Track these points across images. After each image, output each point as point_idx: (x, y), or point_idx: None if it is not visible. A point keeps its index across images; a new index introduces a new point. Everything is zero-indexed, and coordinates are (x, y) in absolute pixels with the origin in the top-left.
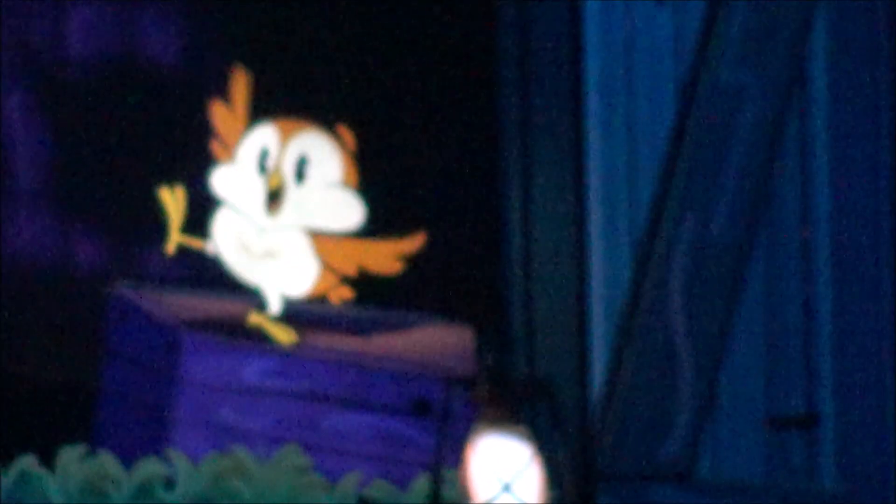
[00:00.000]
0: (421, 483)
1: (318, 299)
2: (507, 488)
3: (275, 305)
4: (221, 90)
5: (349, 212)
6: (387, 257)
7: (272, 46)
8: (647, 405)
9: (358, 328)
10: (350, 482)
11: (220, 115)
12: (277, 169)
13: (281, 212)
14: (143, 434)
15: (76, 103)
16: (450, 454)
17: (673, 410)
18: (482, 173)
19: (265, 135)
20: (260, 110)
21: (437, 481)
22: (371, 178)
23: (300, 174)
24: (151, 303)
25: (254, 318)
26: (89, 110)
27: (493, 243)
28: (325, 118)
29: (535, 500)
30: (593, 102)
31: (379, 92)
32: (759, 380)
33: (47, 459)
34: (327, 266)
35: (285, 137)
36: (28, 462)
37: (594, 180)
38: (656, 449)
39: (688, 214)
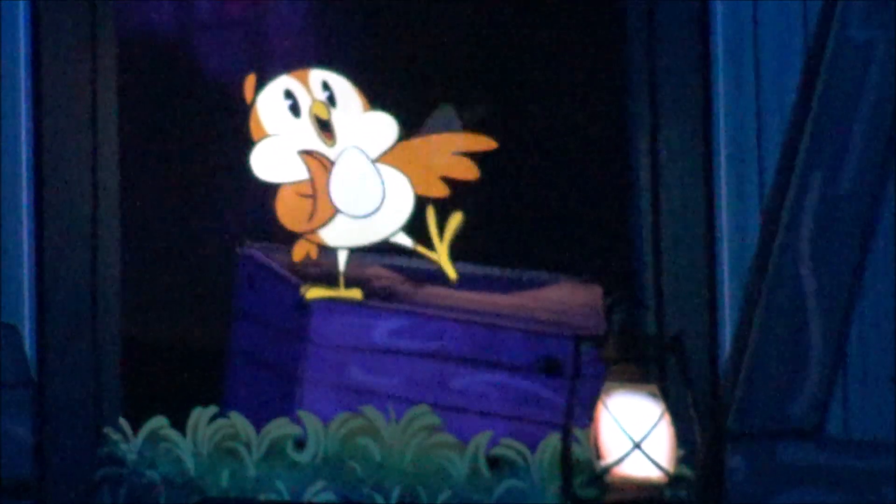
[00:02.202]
0: (551, 442)
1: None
2: (636, 447)
3: (407, 242)
4: None
5: (389, 130)
6: (464, 165)
7: None
8: (777, 363)
9: (488, 287)
10: (480, 442)
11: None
12: (314, 100)
13: (337, 141)
14: (273, 395)
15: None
16: (579, 413)
17: (802, 368)
18: (610, 131)
19: (281, 83)
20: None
21: (567, 440)
22: (499, 138)
23: (332, 101)
24: (280, 263)
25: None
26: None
27: (621, 201)
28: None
29: (665, 459)
30: (721, 59)
31: (502, 41)
32: (889, 336)
33: (178, 421)
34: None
35: (299, 75)
36: (159, 424)
37: (722, 137)
38: (786, 406)
39: (816, 170)
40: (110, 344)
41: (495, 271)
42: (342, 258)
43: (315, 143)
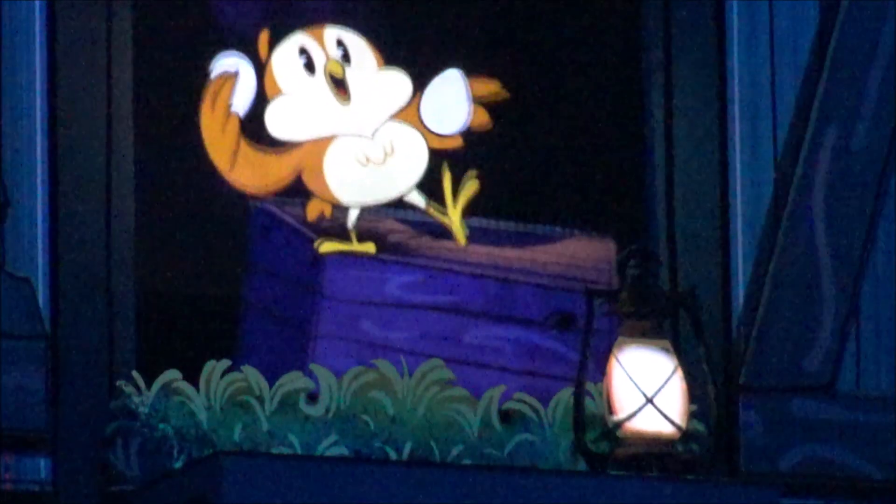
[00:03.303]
0: (563, 397)
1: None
2: (649, 401)
3: (420, 202)
4: None
5: (404, 87)
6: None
7: None
8: (790, 318)
9: (501, 241)
10: (492, 396)
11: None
12: (329, 58)
13: (352, 101)
14: (287, 348)
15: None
16: (592, 368)
17: (815, 323)
18: (624, 86)
19: (295, 40)
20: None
21: (579, 395)
22: (512, 92)
23: (346, 58)
24: (295, 216)
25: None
26: None
27: (635, 156)
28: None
29: (678, 414)
30: (736, 16)
31: (518, 7)
32: None
33: (191, 374)
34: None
35: (314, 32)
36: (172, 377)
37: (736, 93)
38: (798, 361)
39: (830, 127)
40: (124, 297)
41: (509, 225)
42: (353, 214)
43: (329, 100)
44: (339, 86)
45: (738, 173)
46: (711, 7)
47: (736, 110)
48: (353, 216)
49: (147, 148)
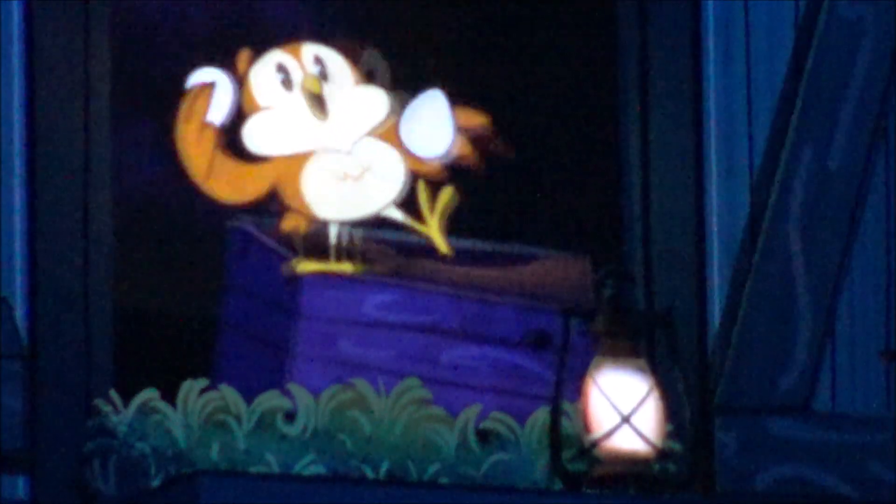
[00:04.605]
0: (540, 416)
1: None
2: (625, 421)
3: (398, 216)
4: None
5: (381, 105)
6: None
7: None
8: (765, 338)
9: (477, 261)
10: (469, 415)
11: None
12: (306, 74)
13: (329, 117)
14: (264, 367)
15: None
16: (569, 387)
17: (791, 343)
18: (600, 106)
19: (273, 57)
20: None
21: (556, 414)
22: (489, 113)
23: (324, 74)
24: (272, 236)
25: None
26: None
27: (611, 175)
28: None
29: (654, 433)
30: (712, 37)
31: (493, 15)
32: (877, 311)
33: (169, 394)
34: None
35: (291, 49)
36: (149, 396)
37: (713, 112)
38: (774, 381)
39: (805, 147)
40: (102, 316)
41: (486, 245)
42: (333, 231)
43: (307, 116)
44: (317, 102)
45: (715, 193)
46: (687, 29)
47: (712, 131)
48: (332, 233)
49: (124, 168)
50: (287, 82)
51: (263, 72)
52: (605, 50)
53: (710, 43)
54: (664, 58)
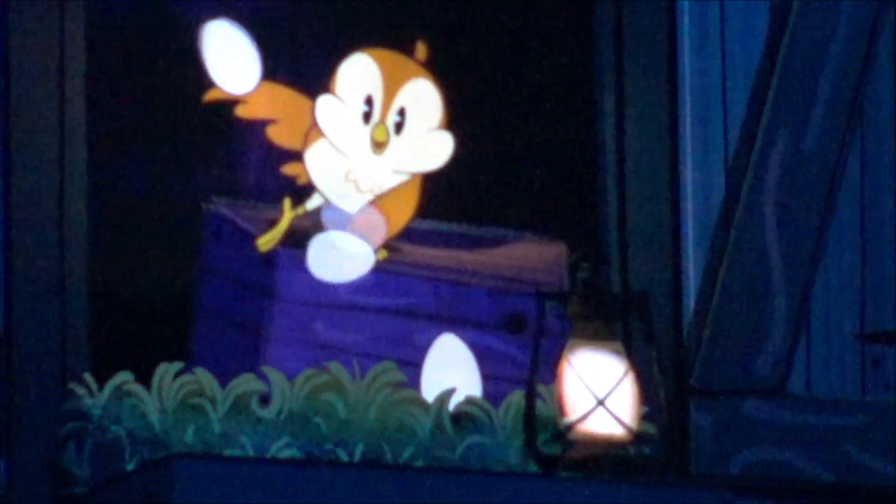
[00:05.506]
0: (514, 399)
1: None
2: (600, 404)
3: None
4: None
5: (442, 150)
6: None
7: None
8: (740, 320)
9: (452, 244)
10: (444, 398)
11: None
12: (383, 123)
13: (381, 157)
14: (239, 351)
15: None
16: (544, 370)
17: (766, 326)
18: (575, 88)
19: (367, 76)
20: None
21: (530, 397)
22: (461, 92)
23: (399, 127)
24: (247, 219)
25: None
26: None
27: (586, 158)
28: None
29: (629, 416)
30: (687, 20)
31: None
32: (851, 295)
33: (144, 376)
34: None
35: (389, 86)
36: (124, 379)
37: (688, 94)
38: (749, 364)
39: (781, 128)
40: (77, 300)
41: (461, 228)
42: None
43: (360, 149)
44: (376, 146)
45: (690, 176)
46: (663, 12)
47: (687, 113)
48: (313, 202)
49: (100, 152)
50: (367, 116)
51: (350, 76)
52: (581, 32)
53: (686, 25)
54: (640, 40)
